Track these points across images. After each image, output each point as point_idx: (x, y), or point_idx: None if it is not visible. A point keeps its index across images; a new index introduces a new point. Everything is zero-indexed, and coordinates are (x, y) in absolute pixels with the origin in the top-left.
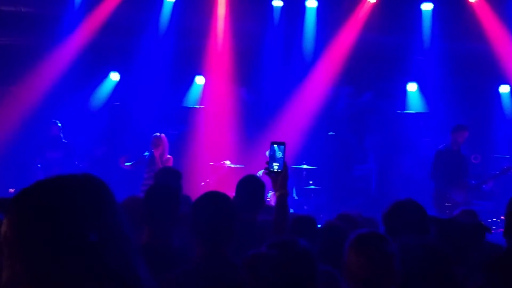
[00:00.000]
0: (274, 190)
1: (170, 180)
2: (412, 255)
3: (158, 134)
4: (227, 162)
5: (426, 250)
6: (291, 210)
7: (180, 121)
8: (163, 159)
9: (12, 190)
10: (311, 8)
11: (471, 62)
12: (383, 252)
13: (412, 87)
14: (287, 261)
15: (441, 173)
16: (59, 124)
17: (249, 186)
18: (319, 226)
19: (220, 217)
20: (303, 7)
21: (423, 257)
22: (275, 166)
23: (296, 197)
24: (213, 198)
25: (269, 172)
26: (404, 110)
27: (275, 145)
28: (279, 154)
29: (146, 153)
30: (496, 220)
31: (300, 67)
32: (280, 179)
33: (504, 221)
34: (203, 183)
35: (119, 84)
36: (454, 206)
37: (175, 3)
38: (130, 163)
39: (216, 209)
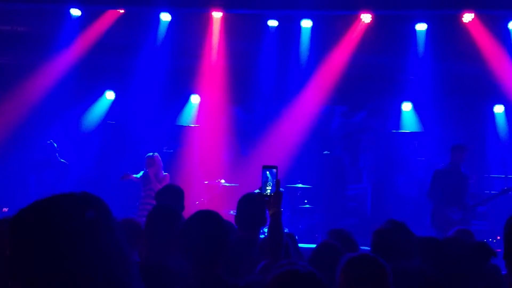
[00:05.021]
0: (268, 210)
1: (172, 199)
2: (400, 281)
3: (151, 154)
4: (222, 181)
5: (413, 276)
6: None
7: (175, 140)
8: (159, 178)
9: (5, 209)
10: (306, 28)
11: (466, 82)
12: (375, 275)
13: (406, 106)
14: None
15: (439, 193)
16: (55, 145)
17: (250, 203)
18: (314, 246)
19: (210, 235)
20: (298, 27)
21: (411, 283)
22: (268, 190)
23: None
24: (204, 216)
25: (262, 196)
26: (399, 130)
27: (267, 170)
28: (271, 178)
29: (141, 172)
30: (492, 240)
31: (294, 86)
32: (273, 199)
33: (504, 242)
34: (197, 202)
35: (114, 102)
36: (452, 225)
37: (170, 22)
38: (136, 175)
39: (207, 228)
